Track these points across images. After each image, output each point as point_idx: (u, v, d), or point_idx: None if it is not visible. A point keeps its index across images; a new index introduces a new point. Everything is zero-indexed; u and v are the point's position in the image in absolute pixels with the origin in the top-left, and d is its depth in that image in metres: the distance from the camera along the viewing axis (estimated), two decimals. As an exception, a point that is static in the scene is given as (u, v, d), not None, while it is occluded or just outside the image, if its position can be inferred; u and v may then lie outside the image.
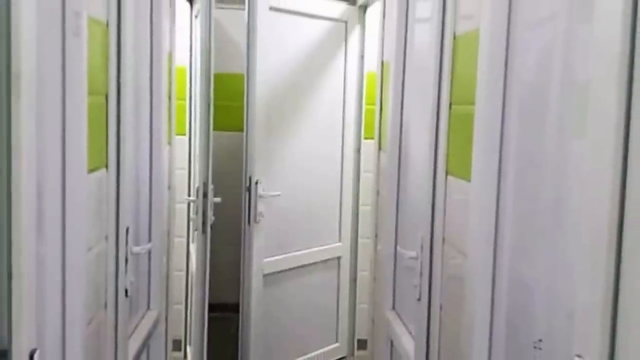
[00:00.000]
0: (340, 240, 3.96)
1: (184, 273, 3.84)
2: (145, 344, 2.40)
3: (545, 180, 1.38)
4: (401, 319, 2.64)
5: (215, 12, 2.83)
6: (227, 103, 4.20)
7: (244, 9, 3.30)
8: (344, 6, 3.81)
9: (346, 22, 3.82)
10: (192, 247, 3.53)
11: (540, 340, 1.36)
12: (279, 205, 3.51)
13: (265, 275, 3.49)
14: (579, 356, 1.03)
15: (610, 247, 0.96)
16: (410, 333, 2.44)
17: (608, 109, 0.96)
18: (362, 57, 3.88)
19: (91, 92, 1.58)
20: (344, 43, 3.83)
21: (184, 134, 3.74)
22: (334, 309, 4.01)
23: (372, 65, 3.61)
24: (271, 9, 3.37)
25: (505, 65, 1.56)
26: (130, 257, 1.99)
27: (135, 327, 2.34)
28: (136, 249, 2.18)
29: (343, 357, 4.07)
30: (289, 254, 3.67)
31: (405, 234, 2.59)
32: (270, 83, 3.43)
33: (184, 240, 3.82)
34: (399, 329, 2.56)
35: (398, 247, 2.61)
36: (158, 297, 2.59)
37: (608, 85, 0.97)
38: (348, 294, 4.03)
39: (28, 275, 1.12)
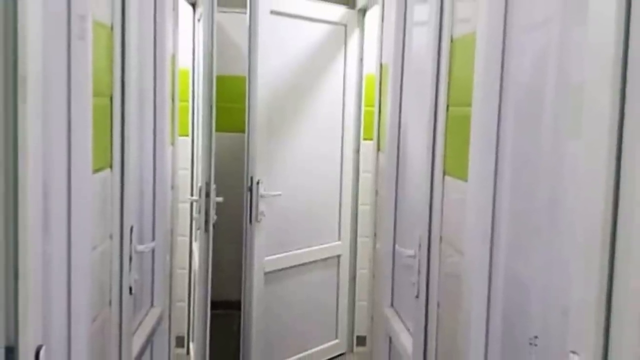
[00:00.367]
0: (339, 239, 3.96)
1: (187, 271, 3.85)
2: (149, 341, 2.40)
3: (541, 180, 1.38)
4: (399, 316, 2.64)
5: (218, 16, 2.83)
6: (229, 105, 4.20)
7: (245, 13, 3.30)
8: (343, 10, 3.81)
9: (345, 26, 3.82)
10: (195, 246, 3.53)
11: (535, 337, 1.36)
12: (279, 205, 3.51)
13: (266, 273, 3.49)
14: (573, 352, 1.03)
15: (604, 245, 0.96)
16: (408, 330, 2.44)
17: (602, 111, 0.96)
18: (361, 59, 3.88)
19: (96, 94, 1.58)
20: (343, 46, 3.83)
21: (187, 135, 3.74)
22: (334, 306, 4.01)
23: (371, 67, 3.61)
24: (272, 12, 3.37)
25: (502, 68, 1.56)
26: (134, 256, 1.99)
27: (139, 324, 2.34)
28: (140, 247, 2.18)
29: (342, 354, 4.07)
30: (290, 253, 3.67)
31: (404, 233, 2.59)
32: (271, 85, 3.43)
33: (187, 239, 3.82)
34: (398, 326, 2.56)
35: (396, 246, 2.61)
36: (161, 295, 2.59)
37: (602, 87, 0.97)
38: (347, 291, 4.03)
39: (34, 273, 1.12)
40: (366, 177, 3.74)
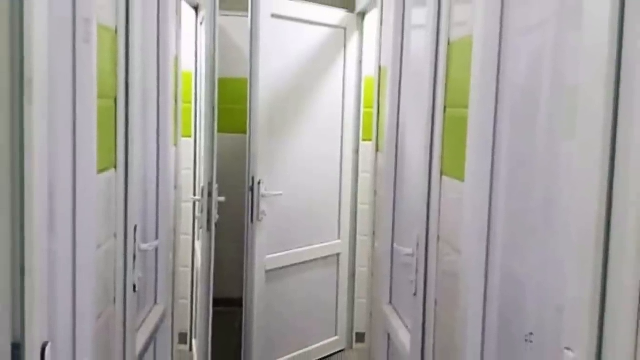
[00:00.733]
0: (339, 238, 3.96)
1: (189, 269, 3.84)
2: (152, 337, 2.40)
3: (536, 180, 1.38)
4: (398, 313, 2.64)
5: (220, 19, 2.83)
6: (231, 106, 4.20)
7: (247, 16, 3.30)
8: (343, 13, 3.80)
9: (345, 29, 3.81)
10: (198, 245, 3.53)
11: (531, 334, 1.36)
12: (280, 204, 3.51)
13: (267, 272, 3.49)
14: (568, 349, 1.04)
15: (597, 244, 0.96)
16: (406, 327, 2.44)
17: (596, 112, 0.97)
18: (360, 62, 3.88)
19: (100, 96, 1.58)
20: (343, 49, 3.83)
21: (190, 136, 3.74)
22: (334, 304, 4.01)
23: (370, 70, 3.61)
24: (273, 16, 3.37)
25: (498, 70, 1.56)
26: (138, 254, 1.99)
27: (143, 321, 2.34)
28: (144, 246, 2.18)
29: (342, 350, 4.07)
30: (290, 251, 3.67)
31: (402, 232, 2.59)
32: (272, 87, 3.43)
33: (190, 237, 3.82)
34: (396, 323, 2.56)
35: (395, 245, 2.61)
36: (165, 292, 2.59)
37: (596, 89, 0.97)
38: (347, 289, 4.03)
39: (40, 271, 1.12)
40: (365, 177, 3.74)
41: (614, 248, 0.94)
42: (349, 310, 4.06)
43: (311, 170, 3.73)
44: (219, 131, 2.81)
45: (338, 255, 3.97)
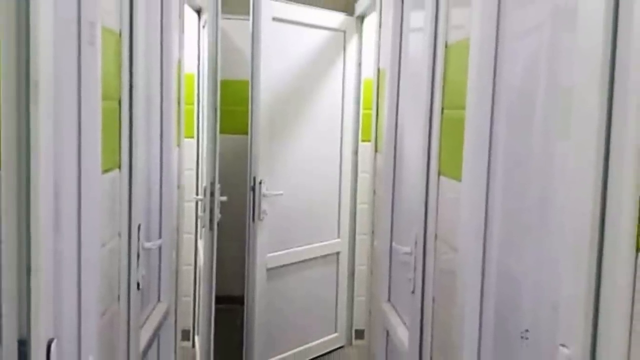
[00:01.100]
0: (339, 237, 3.96)
1: (192, 267, 3.85)
2: (155, 334, 2.40)
3: (532, 180, 1.38)
4: (396, 311, 2.64)
5: (222, 22, 2.83)
6: (233, 108, 4.20)
7: (248, 19, 3.30)
8: (342, 17, 3.80)
9: (345, 32, 3.82)
10: (200, 243, 3.53)
11: (527, 331, 1.36)
12: (281, 204, 3.51)
13: (268, 270, 3.49)
14: (563, 345, 1.03)
15: (592, 243, 0.96)
16: (404, 324, 2.44)
17: (590, 112, 0.96)
18: (359, 64, 3.88)
19: (105, 98, 1.58)
20: (342, 51, 3.83)
21: (192, 137, 3.74)
22: (333, 301, 4.01)
23: (369, 72, 3.61)
24: (274, 19, 3.37)
25: (494, 72, 1.56)
26: (141, 253, 1.99)
27: (147, 318, 2.34)
28: (147, 244, 2.18)
29: (341, 346, 4.07)
30: (291, 250, 3.67)
31: (400, 231, 2.59)
32: (273, 89, 3.43)
33: (192, 236, 3.82)
34: (394, 320, 2.55)
35: (393, 243, 2.61)
36: (168, 290, 2.59)
37: (590, 90, 0.97)
38: (346, 287, 4.03)
39: (46, 269, 1.11)
40: (364, 177, 3.75)
41: (608, 246, 0.94)
42: (348, 307, 4.06)
43: (311, 171, 3.73)
44: (220, 132, 2.82)
45: (338, 253, 3.97)
